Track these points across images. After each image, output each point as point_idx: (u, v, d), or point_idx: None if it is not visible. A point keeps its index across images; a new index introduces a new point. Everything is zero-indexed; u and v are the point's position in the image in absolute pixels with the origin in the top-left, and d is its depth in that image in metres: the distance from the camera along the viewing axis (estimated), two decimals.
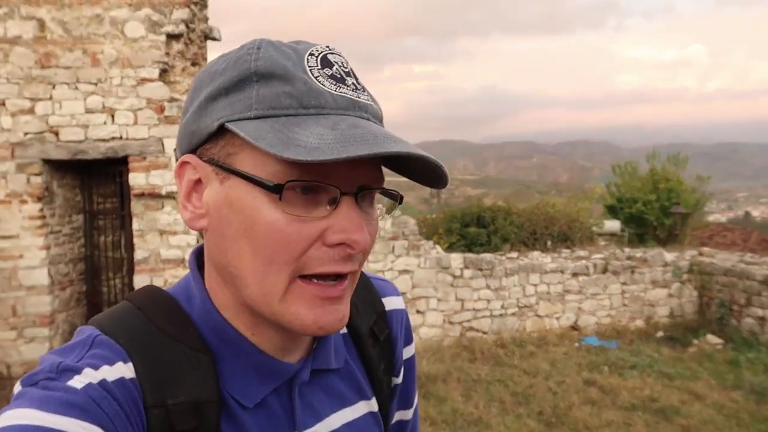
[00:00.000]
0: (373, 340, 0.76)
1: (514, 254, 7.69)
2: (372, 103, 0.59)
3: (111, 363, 0.55)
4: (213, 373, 0.59)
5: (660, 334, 7.03)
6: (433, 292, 6.61)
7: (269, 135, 0.53)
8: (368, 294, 0.78)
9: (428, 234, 10.25)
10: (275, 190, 0.53)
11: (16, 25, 5.44)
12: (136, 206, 5.79)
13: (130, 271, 6.07)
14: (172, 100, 5.73)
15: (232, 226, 0.56)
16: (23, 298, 5.58)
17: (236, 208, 0.56)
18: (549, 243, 9.21)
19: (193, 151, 0.60)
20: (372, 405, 0.74)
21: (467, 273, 6.69)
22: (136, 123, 5.65)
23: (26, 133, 5.50)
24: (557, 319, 7.03)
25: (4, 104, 5.45)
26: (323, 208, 0.56)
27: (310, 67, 0.57)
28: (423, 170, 0.59)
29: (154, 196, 5.75)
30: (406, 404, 0.86)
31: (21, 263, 5.55)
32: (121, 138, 5.64)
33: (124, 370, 0.55)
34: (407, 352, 0.84)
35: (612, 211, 14.51)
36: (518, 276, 6.88)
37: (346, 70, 0.59)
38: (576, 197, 17.05)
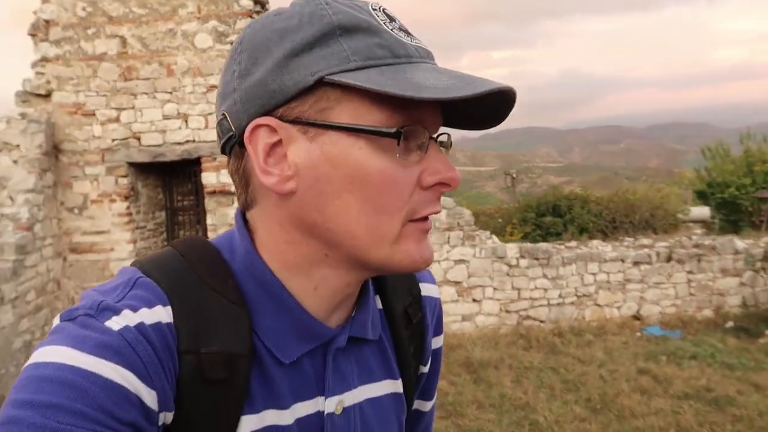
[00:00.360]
0: (406, 322, 0.76)
1: (573, 243, 7.65)
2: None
3: (150, 306, 0.55)
4: (248, 327, 0.59)
5: (729, 324, 6.78)
6: (488, 281, 6.74)
7: (389, 81, 0.52)
8: (406, 276, 0.78)
9: (503, 224, 10.25)
10: (396, 135, 0.54)
11: (103, 43, 6.10)
12: (209, 203, 6.33)
13: None
14: None
15: (334, 182, 0.56)
16: None
17: (338, 163, 0.55)
18: (630, 232, 8.99)
19: (268, 113, 0.56)
20: (397, 386, 0.73)
21: (523, 262, 6.76)
22: (206, 127, 6.18)
23: (113, 140, 6.16)
24: (618, 308, 6.96)
25: (94, 114, 6.14)
26: (415, 154, 0.57)
27: (382, 20, 0.57)
28: (486, 109, 0.59)
29: (224, 193, 6.26)
30: (426, 395, 0.85)
31: (112, 255, 6.23)
32: (194, 141, 6.19)
33: (162, 314, 0.55)
34: (436, 342, 0.83)
35: (702, 197, 13.80)
36: (576, 265, 6.86)
37: (404, 24, 0.60)
38: (663, 182, 16.26)
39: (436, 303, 0.82)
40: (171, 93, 6.15)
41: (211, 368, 0.55)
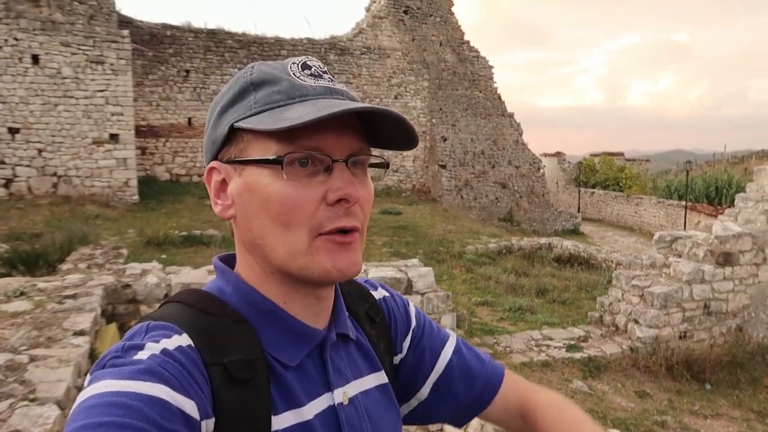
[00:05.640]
0: (371, 322, 0.85)
1: None
2: (348, 90, 0.71)
3: (169, 337, 0.61)
4: (256, 338, 0.67)
5: None
6: None
7: (265, 119, 0.65)
8: (357, 288, 0.89)
9: None
10: (277, 162, 0.64)
11: None
12: None
13: None
14: None
15: (253, 205, 0.66)
16: None
17: (253, 190, 0.66)
18: None
19: (215, 158, 0.70)
20: (381, 377, 0.81)
21: None
22: None
23: None
24: None
25: None
26: (321, 176, 0.66)
27: (292, 71, 0.69)
28: (396, 134, 0.69)
29: None
30: (434, 350, 0.90)
31: None
32: None
33: (181, 340, 0.62)
34: (413, 320, 0.91)
35: None
36: None
37: (323, 70, 0.71)
38: None
39: (389, 300, 0.91)
40: None
41: (237, 371, 0.62)
